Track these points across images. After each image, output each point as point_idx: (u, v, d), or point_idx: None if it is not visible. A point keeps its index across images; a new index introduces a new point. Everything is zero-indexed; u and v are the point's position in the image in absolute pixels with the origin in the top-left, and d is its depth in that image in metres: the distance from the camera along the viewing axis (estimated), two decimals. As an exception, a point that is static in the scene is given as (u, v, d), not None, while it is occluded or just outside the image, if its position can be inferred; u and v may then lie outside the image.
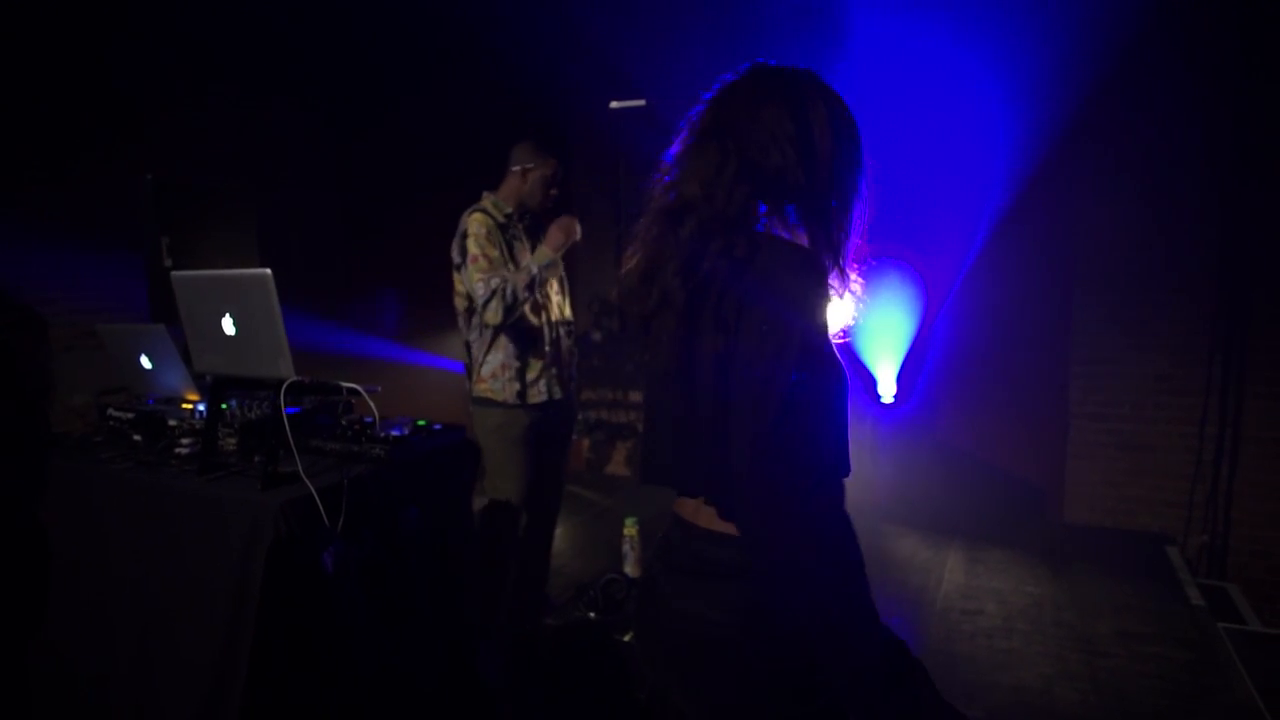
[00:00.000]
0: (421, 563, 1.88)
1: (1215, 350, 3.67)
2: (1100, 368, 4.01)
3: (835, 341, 0.96)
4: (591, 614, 1.94)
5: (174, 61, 3.23)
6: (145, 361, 2.16)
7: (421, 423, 2.02)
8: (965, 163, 3.90)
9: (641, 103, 1.69)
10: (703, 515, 0.99)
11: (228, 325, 1.65)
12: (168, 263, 2.69)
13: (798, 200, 1.00)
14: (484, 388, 2.49)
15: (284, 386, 1.58)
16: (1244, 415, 3.68)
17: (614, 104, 1.69)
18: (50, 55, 2.83)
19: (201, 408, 2.04)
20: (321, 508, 1.59)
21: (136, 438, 2.05)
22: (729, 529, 0.95)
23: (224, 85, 3.45)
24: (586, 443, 5.00)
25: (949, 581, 3.22)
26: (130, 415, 2.05)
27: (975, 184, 3.93)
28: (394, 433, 1.82)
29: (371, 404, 1.71)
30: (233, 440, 1.91)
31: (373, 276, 4.96)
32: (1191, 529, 3.78)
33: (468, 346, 2.56)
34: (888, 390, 4.01)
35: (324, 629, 1.64)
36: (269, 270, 1.54)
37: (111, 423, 2.09)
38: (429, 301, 5.28)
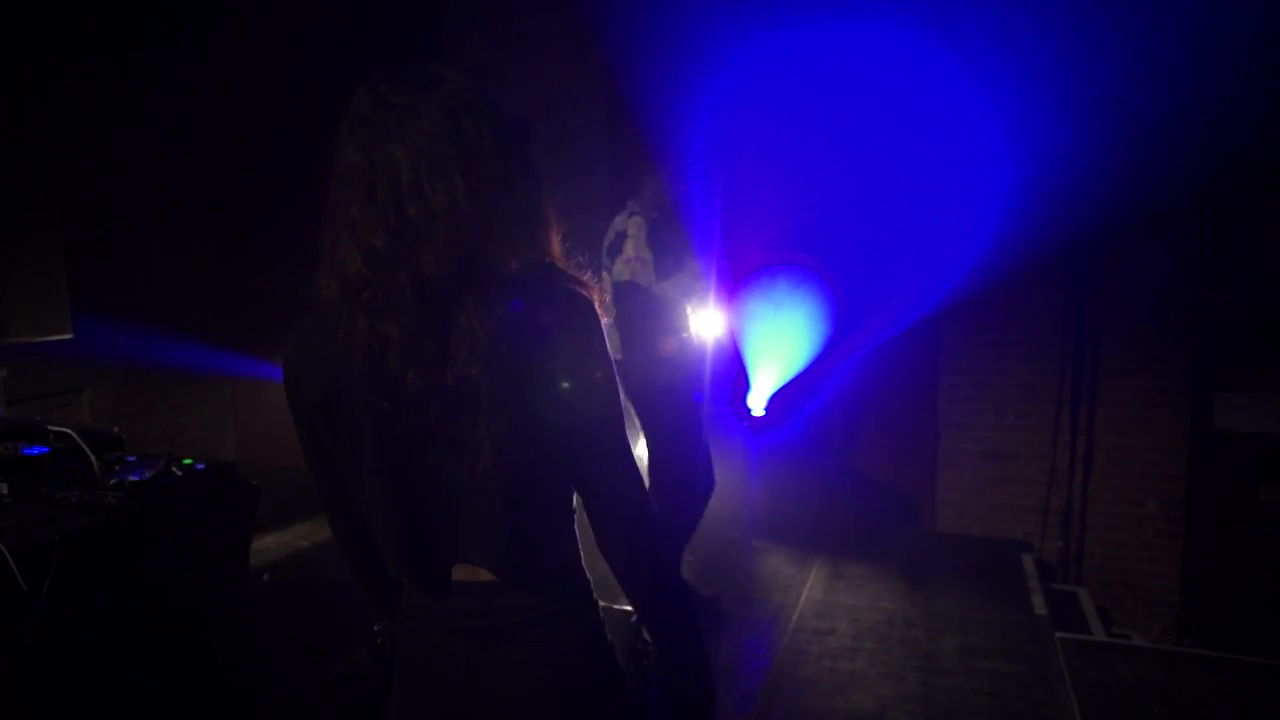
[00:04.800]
0: (171, 622, 1.69)
1: (1065, 361, 3.77)
2: (967, 378, 4.08)
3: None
4: (376, 660, 1.78)
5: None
6: None
7: (187, 461, 1.83)
8: (863, 180, 3.90)
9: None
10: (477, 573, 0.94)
11: (-94, 363, 1.44)
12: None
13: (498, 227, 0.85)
14: None
15: (-33, 433, 1.38)
16: (1096, 422, 3.79)
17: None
18: None
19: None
20: (15, 568, 1.40)
21: None
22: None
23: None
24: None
25: (807, 599, 3.19)
26: None
27: (872, 202, 3.94)
28: (133, 478, 1.63)
29: (87, 449, 1.52)
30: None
31: (249, 292, 4.60)
32: (1049, 534, 3.87)
33: None
34: (759, 403, 3.98)
35: (27, 700, 1.44)
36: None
37: None
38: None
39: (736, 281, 3.81)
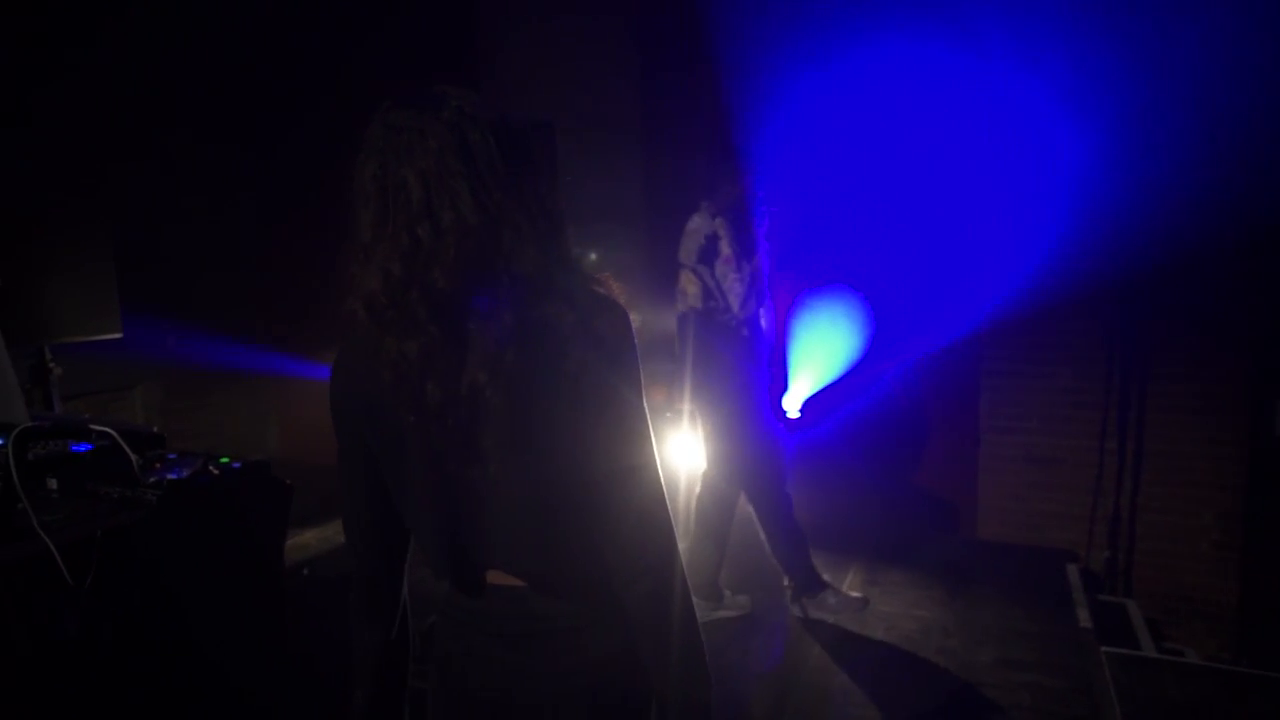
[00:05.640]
0: (209, 619, 1.73)
1: (1113, 364, 3.63)
2: (1009, 380, 3.96)
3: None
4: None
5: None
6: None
7: (224, 460, 1.88)
8: (912, 186, 3.86)
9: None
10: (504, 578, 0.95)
11: (-42, 364, 1.50)
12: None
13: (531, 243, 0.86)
14: None
15: (15, 433, 1.43)
16: (1145, 428, 3.64)
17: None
18: None
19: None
20: (61, 564, 1.45)
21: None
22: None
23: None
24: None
25: (841, 606, 3.12)
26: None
27: (921, 207, 3.88)
28: (171, 476, 1.67)
29: (126, 448, 1.57)
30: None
31: (293, 292, 4.69)
32: (1095, 543, 3.74)
33: None
34: (794, 405, 3.92)
35: (67, 695, 1.49)
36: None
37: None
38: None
39: (785, 284, 3.79)
